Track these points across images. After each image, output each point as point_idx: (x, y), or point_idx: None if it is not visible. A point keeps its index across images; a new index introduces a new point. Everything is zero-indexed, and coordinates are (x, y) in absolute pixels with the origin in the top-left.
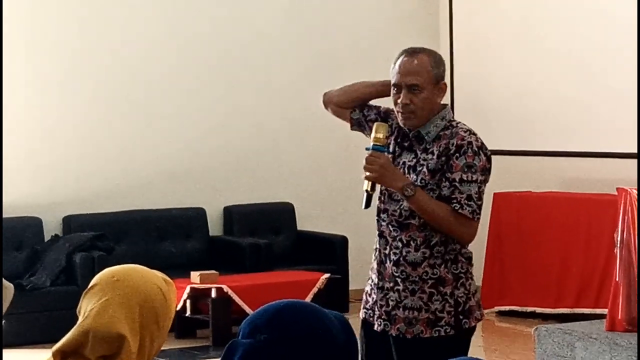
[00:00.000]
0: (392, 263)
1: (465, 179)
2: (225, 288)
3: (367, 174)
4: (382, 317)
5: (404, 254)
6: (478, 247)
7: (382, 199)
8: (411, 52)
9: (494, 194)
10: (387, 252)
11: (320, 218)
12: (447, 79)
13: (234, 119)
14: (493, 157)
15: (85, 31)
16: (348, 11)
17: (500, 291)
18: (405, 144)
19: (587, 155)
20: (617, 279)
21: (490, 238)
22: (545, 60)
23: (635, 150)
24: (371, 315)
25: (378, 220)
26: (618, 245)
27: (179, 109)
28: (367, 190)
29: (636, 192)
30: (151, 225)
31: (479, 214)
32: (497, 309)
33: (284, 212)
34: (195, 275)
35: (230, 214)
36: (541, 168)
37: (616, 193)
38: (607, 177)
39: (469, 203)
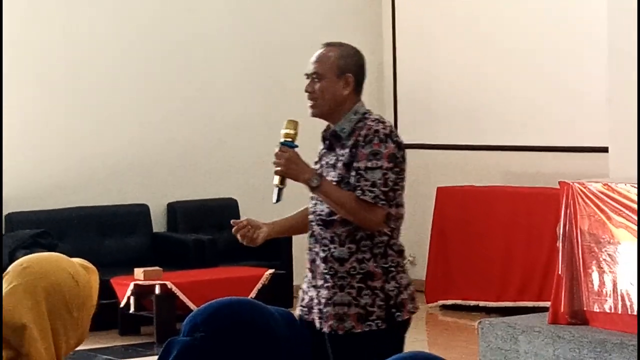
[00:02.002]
0: (321, 260)
1: (370, 166)
2: (169, 284)
3: (277, 168)
4: (317, 314)
5: (331, 250)
6: (422, 241)
7: (313, 202)
8: (325, 45)
9: (438, 188)
10: (317, 250)
11: (264, 213)
12: (390, 73)
13: (177, 115)
14: (436, 152)
15: (27, 25)
16: (290, 6)
17: (444, 285)
18: (327, 145)
19: (530, 149)
20: (559, 272)
21: (434, 232)
22: (489, 55)
23: (577, 144)
24: (306, 312)
25: (310, 222)
26: (560, 238)
27: (121, 105)
28: (276, 185)
29: (579, 186)
30: (94, 222)
31: (384, 200)
32: (440, 302)
33: (227, 208)
34: (139, 272)
35: (174, 210)
36: (484, 162)
37: (558, 187)
38: (550, 171)
39: (372, 189)
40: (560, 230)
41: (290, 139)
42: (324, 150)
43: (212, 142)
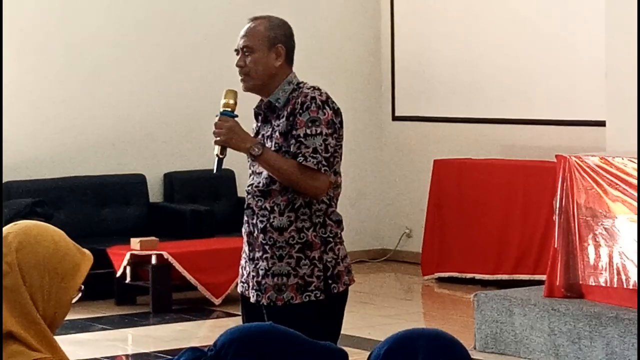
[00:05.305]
0: (259, 231)
1: (310, 133)
2: (166, 254)
3: (217, 138)
4: (254, 287)
5: (270, 220)
6: (418, 214)
7: (250, 174)
8: (252, 19)
9: (435, 160)
10: (254, 221)
11: None
12: (387, 46)
13: (174, 84)
14: (433, 124)
15: None
16: None
17: (440, 258)
18: (261, 118)
19: (527, 122)
20: (555, 246)
21: (430, 204)
22: (487, 28)
23: (574, 118)
24: (247, 288)
25: (246, 195)
26: (557, 212)
27: (119, 75)
28: (217, 155)
29: (576, 160)
30: (91, 192)
31: (327, 165)
32: (436, 275)
33: (224, 179)
34: (135, 242)
35: (171, 180)
36: (481, 135)
37: (555, 160)
38: (547, 144)
39: (314, 155)
40: (557, 204)
41: (229, 109)
42: (259, 125)
43: (208, 112)
